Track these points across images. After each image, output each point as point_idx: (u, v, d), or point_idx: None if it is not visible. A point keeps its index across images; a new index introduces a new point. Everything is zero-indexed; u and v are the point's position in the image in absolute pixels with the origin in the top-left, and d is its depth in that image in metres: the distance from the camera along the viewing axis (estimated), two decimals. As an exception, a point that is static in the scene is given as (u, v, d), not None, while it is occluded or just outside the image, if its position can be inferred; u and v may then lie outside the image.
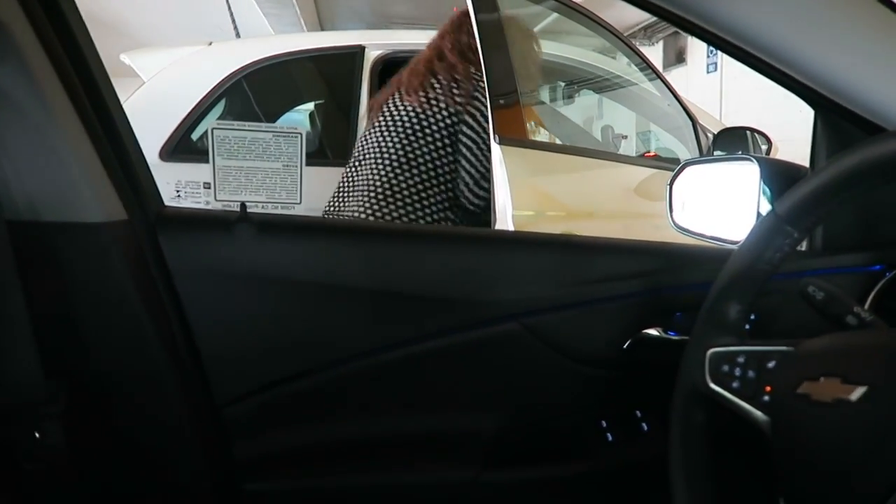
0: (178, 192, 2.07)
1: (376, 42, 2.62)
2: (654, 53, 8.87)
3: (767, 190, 0.91)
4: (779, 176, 0.93)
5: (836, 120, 0.85)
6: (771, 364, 0.59)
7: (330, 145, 2.54)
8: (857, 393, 0.48)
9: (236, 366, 0.91)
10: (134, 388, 0.85)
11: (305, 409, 0.94)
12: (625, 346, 0.94)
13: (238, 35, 2.91)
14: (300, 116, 3.31)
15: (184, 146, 2.21)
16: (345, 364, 0.93)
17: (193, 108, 2.23)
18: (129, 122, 0.87)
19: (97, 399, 0.84)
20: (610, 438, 1.00)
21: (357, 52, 2.54)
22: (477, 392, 0.97)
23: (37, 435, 0.76)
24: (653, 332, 0.94)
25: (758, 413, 0.59)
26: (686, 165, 1.05)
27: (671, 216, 1.03)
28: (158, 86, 2.28)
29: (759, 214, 0.88)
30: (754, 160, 0.91)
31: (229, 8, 3.01)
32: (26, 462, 0.77)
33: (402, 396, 0.96)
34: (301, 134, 0.86)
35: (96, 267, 0.80)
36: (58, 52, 0.77)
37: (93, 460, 0.84)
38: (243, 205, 0.87)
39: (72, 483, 0.81)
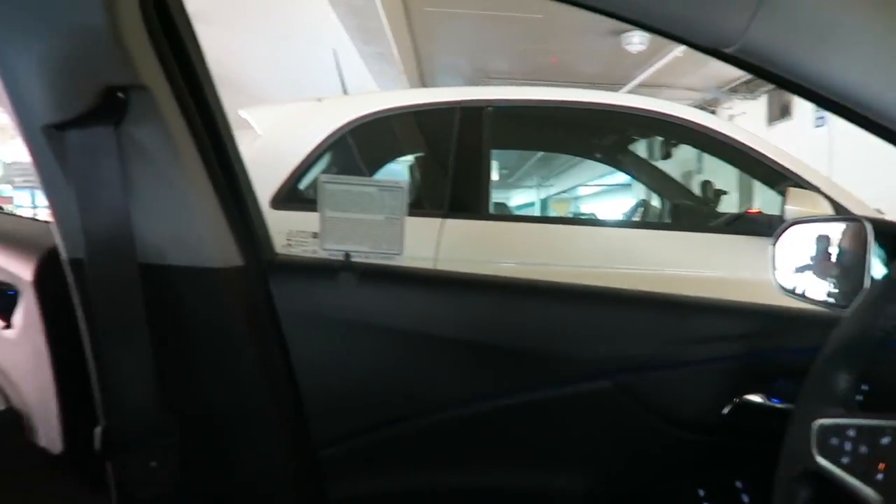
0: (288, 241, 2.20)
1: (473, 98, 2.69)
2: (758, 108, 8.59)
3: (882, 252, 0.87)
4: (893, 238, 0.89)
5: None
6: (885, 440, 0.56)
7: (427, 196, 2.61)
8: None
9: (335, 408, 0.94)
10: (238, 425, 0.90)
11: (397, 455, 0.96)
12: (725, 412, 0.90)
13: (345, 91, 3.06)
14: (399, 167, 3.43)
15: (292, 195, 2.34)
16: (437, 413, 0.94)
17: (303, 161, 2.36)
18: (248, 176, 0.95)
19: (205, 433, 0.89)
20: None
21: (455, 108, 2.62)
22: (567, 449, 0.95)
23: (152, 464, 0.81)
24: (755, 398, 0.90)
25: (869, 491, 0.55)
26: (791, 224, 1.02)
27: (775, 277, 1.00)
28: (272, 139, 2.43)
29: (870, 278, 0.84)
30: (866, 220, 0.87)
31: (338, 66, 3.19)
32: (139, 490, 0.82)
33: (492, 449, 0.96)
34: (404, 188, 0.91)
35: (212, 309, 0.87)
36: (192, 113, 0.85)
37: (197, 491, 0.89)
38: (347, 254, 0.92)
39: None
